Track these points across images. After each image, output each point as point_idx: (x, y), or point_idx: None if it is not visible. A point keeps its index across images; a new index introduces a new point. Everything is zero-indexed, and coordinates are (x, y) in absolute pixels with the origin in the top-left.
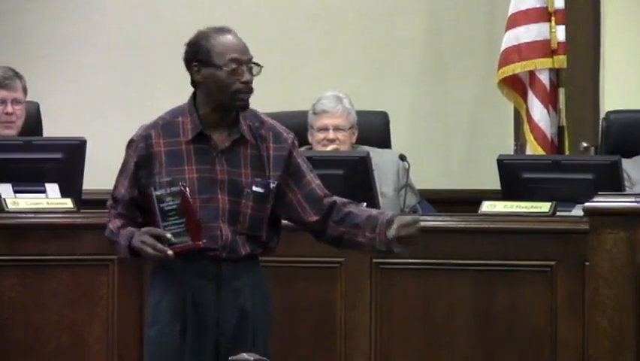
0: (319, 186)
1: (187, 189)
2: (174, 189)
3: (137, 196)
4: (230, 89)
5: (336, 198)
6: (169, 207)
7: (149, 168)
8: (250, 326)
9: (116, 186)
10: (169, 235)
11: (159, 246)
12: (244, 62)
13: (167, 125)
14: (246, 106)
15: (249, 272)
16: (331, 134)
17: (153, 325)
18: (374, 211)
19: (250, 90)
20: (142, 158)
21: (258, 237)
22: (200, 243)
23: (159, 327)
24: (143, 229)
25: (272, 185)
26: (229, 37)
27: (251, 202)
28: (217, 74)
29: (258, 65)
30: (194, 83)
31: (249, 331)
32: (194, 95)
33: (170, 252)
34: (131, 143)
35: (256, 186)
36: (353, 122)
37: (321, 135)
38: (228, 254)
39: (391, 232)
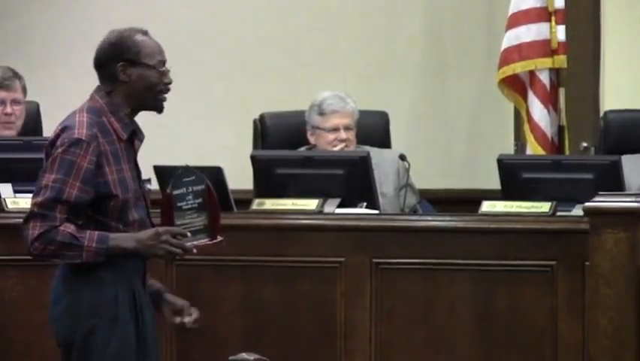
0: None
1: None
2: (198, 187)
3: (93, 197)
4: (156, 90)
5: None
6: (187, 206)
7: (100, 167)
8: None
9: (61, 189)
10: (189, 234)
11: (187, 245)
12: (165, 64)
13: (99, 124)
14: (163, 108)
15: None
16: (343, 134)
17: (112, 323)
18: None
19: (167, 92)
20: (97, 157)
21: None
22: (221, 239)
23: (123, 324)
24: (162, 229)
25: None
26: (151, 39)
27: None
28: (147, 74)
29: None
30: (114, 82)
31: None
32: (106, 95)
33: (195, 250)
34: (79, 143)
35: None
36: (356, 120)
37: (331, 136)
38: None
39: (166, 312)
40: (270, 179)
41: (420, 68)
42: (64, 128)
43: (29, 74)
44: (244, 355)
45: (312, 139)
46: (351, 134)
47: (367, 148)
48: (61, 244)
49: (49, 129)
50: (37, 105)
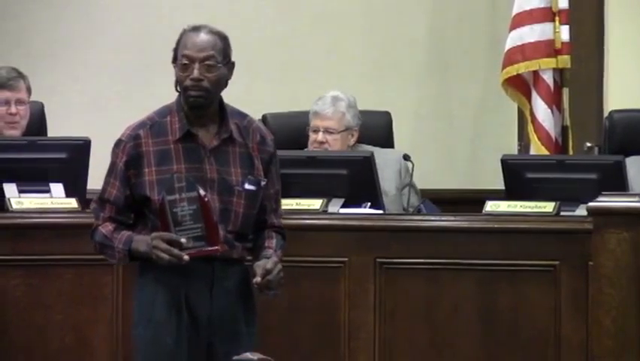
0: (276, 200)
1: (207, 194)
2: (191, 194)
3: (129, 196)
4: (182, 86)
5: (275, 221)
6: (183, 212)
7: (137, 168)
8: (244, 328)
9: (104, 189)
10: (183, 240)
11: (175, 251)
12: (196, 60)
13: (155, 125)
14: (195, 104)
15: (240, 271)
16: (320, 137)
17: (146, 323)
18: (268, 245)
19: (199, 88)
20: (131, 158)
21: (247, 235)
22: (219, 248)
23: (154, 326)
24: (154, 234)
25: (262, 182)
26: (192, 35)
27: (242, 200)
28: (176, 72)
29: (216, 65)
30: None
31: (243, 332)
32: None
33: (186, 257)
34: (119, 143)
35: (248, 184)
36: (349, 124)
37: (313, 137)
38: (221, 253)
39: (256, 279)
40: None
41: (423, 68)
42: None
43: (34, 74)
44: (248, 355)
45: None
46: (331, 138)
47: (370, 148)
48: (98, 243)
49: (53, 129)
50: (42, 105)
